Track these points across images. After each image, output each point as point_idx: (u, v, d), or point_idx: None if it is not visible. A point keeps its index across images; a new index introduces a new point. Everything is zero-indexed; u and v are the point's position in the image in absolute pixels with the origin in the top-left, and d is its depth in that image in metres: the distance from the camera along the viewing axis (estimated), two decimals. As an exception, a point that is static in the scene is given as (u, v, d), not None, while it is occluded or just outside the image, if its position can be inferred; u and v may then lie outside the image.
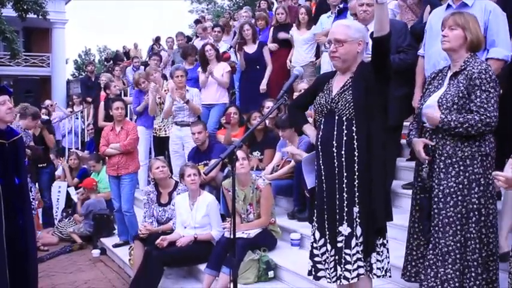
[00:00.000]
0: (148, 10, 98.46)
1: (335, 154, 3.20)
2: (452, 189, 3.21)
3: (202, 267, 5.04)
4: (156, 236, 5.41)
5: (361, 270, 3.16)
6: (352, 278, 3.15)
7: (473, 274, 3.18)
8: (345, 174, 3.18)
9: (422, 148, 3.34)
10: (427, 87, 3.54)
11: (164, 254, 5.15)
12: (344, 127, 3.18)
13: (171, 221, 5.70)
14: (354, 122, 3.15)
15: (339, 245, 3.19)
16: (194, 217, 5.40)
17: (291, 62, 7.97)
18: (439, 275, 3.21)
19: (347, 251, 3.16)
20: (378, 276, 3.20)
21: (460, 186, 3.20)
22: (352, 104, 3.15)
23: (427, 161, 3.35)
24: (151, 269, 5.09)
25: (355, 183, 3.16)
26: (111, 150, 6.54)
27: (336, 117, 3.22)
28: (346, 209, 3.17)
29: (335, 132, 3.21)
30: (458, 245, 3.19)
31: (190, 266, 5.49)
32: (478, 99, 3.17)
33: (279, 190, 5.94)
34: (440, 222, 3.24)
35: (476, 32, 3.33)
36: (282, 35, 8.12)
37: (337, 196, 3.21)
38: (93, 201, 7.69)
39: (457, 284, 3.17)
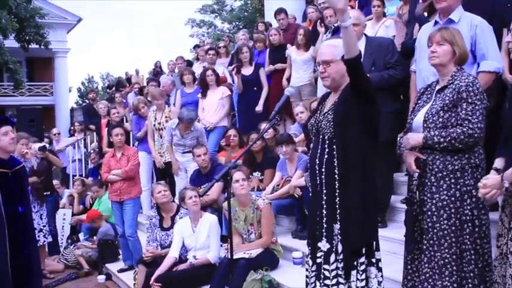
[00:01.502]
0: (150, 36, 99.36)
1: (317, 172, 3.28)
2: (445, 202, 3.23)
3: (206, 288, 5.07)
4: (160, 259, 5.44)
5: (342, 287, 3.19)
6: None
7: (470, 285, 3.18)
8: (325, 191, 3.24)
9: (414, 161, 3.38)
10: (417, 102, 3.58)
11: (167, 276, 5.18)
12: (326, 146, 3.25)
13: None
14: (334, 140, 3.22)
15: (318, 260, 3.23)
16: (197, 239, 5.45)
17: (288, 81, 8.02)
18: None
19: (326, 266, 3.20)
20: None
21: (453, 198, 3.22)
22: (332, 123, 3.23)
23: (417, 174, 3.38)
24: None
25: (336, 200, 3.20)
26: (113, 177, 6.60)
27: (321, 137, 3.30)
28: (325, 226, 3.22)
29: (318, 151, 3.29)
30: (454, 257, 3.20)
31: (194, 288, 5.51)
32: (464, 111, 3.20)
33: (280, 209, 5.98)
34: (434, 236, 3.25)
35: (462, 46, 3.38)
36: (278, 66, 8.24)
37: (318, 213, 3.27)
38: (108, 227, 7.75)
39: None
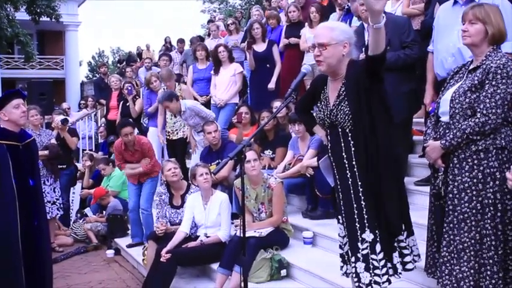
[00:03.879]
0: (161, 10, 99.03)
1: (347, 166, 3.19)
2: (466, 184, 3.12)
3: (216, 266, 5.04)
4: (171, 236, 5.43)
5: (390, 271, 3.19)
6: (383, 282, 3.15)
7: (488, 272, 3.07)
8: (360, 183, 3.16)
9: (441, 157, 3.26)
10: (448, 81, 3.44)
11: (177, 253, 5.17)
12: (350, 138, 3.16)
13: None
14: (357, 133, 3.11)
15: (364, 252, 3.17)
16: (207, 217, 5.42)
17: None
18: (454, 273, 3.13)
19: (373, 256, 3.15)
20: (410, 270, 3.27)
21: (475, 180, 3.10)
22: (350, 116, 3.11)
23: (442, 169, 3.28)
24: (164, 267, 5.11)
25: (373, 190, 3.13)
26: (131, 171, 6.60)
27: (339, 130, 3.20)
28: (366, 216, 3.15)
29: (342, 145, 3.19)
30: (473, 241, 3.09)
31: (204, 265, 5.50)
32: (484, 93, 3.08)
33: (291, 188, 5.94)
34: (455, 219, 3.15)
35: (497, 25, 3.18)
36: (293, 40, 8.05)
37: (355, 205, 3.18)
38: (116, 202, 7.77)
39: (472, 283, 3.09)
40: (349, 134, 3.15)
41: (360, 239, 3.17)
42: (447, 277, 3.19)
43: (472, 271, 3.10)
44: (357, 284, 3.20)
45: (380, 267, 3.15)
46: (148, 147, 6.68)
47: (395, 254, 3.18)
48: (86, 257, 7.17)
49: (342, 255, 3.47)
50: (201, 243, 5.29)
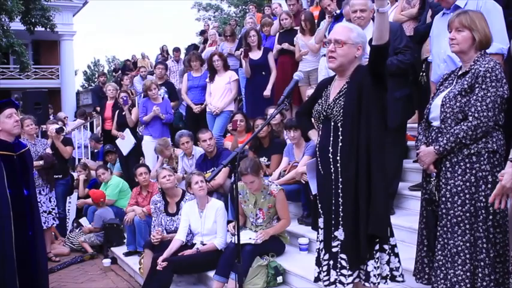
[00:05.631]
0: (156, 19, 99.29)
1: (331, 160, 3.21)
2: (459, 188, 3.15)
3: (212, 274, 5.04)
4: (167, 244, 5.42)
5: (362, 275, 3.16)
6: (347, 284, 3.14)
7: (479, 275, 3.11)
8: (341, 179, 3.17)
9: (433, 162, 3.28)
10: (438, 88, 3.48)
11: (173, 261, 5.16)
12: (339, 133, 3.17)
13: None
14: (348, 128, 3.13)
15: (334, 249, 3.18)
16: (203, 224, 5.42)
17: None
18: (449, 277, 3.16)
19: (343, 255, 3.15)
20: (374, 284, 3.16)
21: (468, 184, 3.14)
22: (343, 109, 3.14)
23: (435, 174, 3.30)
24: (160, 276, 5.11)
25: (353, 188, 3.13)
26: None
27: (332, 124, 3.22)
28: (342, 214, 3.16)
29: (331, 139, 3.21)
30: (468, 244, 3.12)
31: (200, 273, 5.50)
32: (474, 97, 3.12)
33: (287, 195, 5.90)
34: (448, 223, 3.18)
35: (483, 30, 3.24)
36: (285, 46, 8.10)
37: (333, 201, 3.20)
38: (103, 210, 7.72)
39: (468, 285, 3.11)
40: (340, 129, 3.17)
41: (332, 236, 3.19)
42: (442, 281, 3.21)
43: (468, 274, 3.12)
44: (326, 282, 3.22)
45: (347, 267, 3.13)
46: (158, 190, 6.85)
47: (372, 262, 3.15)
48: (82, 266, 7.14)
49: (317, 254, 3.44)
50: (197, 251, 5.29)
